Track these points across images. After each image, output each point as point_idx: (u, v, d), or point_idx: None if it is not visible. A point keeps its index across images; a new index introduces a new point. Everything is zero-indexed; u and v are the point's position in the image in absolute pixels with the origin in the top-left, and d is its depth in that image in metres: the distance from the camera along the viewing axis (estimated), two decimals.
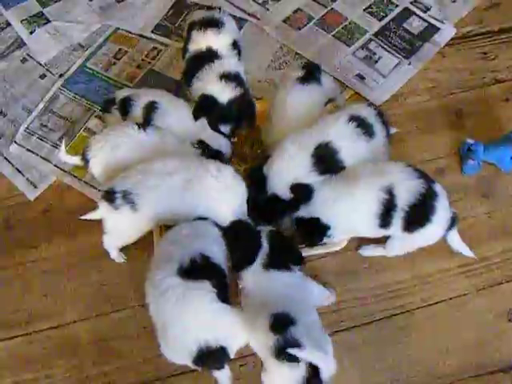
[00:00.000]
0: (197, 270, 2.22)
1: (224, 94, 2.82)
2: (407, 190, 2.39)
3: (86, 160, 2.73)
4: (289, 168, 2.57)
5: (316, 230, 2.52)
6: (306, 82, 2.78)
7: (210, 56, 2.84)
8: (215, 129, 2.83)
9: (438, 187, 2.45)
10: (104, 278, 2.75)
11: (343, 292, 2.62)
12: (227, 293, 2.31)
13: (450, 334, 2.55)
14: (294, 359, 2.02)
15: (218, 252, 2.36)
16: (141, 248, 2.73)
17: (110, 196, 2.48)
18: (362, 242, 2.70)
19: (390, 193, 2.39)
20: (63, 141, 2.90)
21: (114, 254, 2.74)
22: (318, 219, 2.50)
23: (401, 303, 2.62)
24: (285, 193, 2.57)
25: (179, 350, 2.21)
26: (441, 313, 2.59)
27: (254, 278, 2.34)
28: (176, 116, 2.79)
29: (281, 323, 2.10)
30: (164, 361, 2.43)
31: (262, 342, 2.15)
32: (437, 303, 2.61)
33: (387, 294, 2.64)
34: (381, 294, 2.64)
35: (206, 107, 2.81)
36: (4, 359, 2.60)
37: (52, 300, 2.72)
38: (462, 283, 2.65)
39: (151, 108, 2.78)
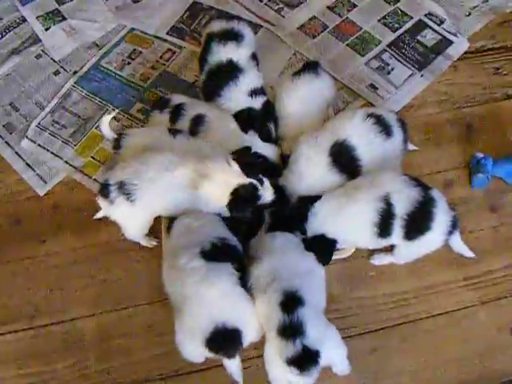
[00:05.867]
0: (218, 252, 2.28)
1: (257, 102, 2.89)
2: (405, 198, 2.41)
3: (118, 144, 2.75)
4: (309, 171, 2.61)
5: (325, 247, 2.53)
6: (299, 75, 2.87)
7: (232, 70, 2.86)
8: (265, 137, 2.85)
9: (435, 193, 2.46)
10: (110, 275, 2.75)
11: (348, 299, 2.63)
12: (247, 280, 2.34)
13: (453, 346, 2.56)
14: (292, 337, 2.11)
15: (231, 235, 2.43)
16: (148, 249, 2.76)
17: (104, 191, 2.51)
18: (371, 250, 2.70)
19: (388, 203, 2.41)
20: (111, 113, 2.93)
21: (142, 242, 2.76)
22: (322, 236, 2.53)
23: (405, 313, 2.62)
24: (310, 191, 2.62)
25: (194, 330, 2.22)
26: (444, 324, 2.60)
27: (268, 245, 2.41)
28: (224, 130, 2.77)
29: (291, 302, 2.18)
30: (168, 360, 2.47)
31: (268, 313, 2.22)
32: (441, 314, 2.62)
33: (392, 303, 2.65)
34: (385, 303, 2.64)
35: (249, 119, 2.85)
36: (9, 353, 2.60)
37: (58, 295, 2.73)
38: (467, 295, 2.65)
39: (198, 121, 2.78)
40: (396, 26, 3.45)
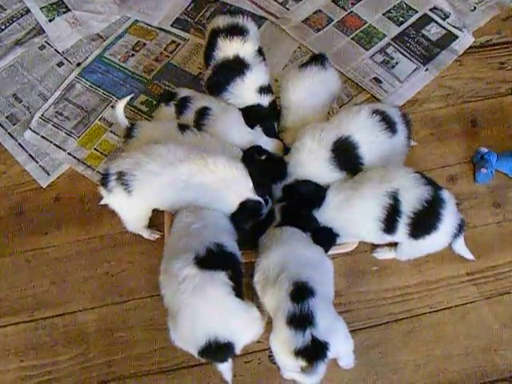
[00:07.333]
0: (213, 259, 2.24)
1: (265, 100, 2.87)
2: (413, 196, 2.38)
3: (130, 134, 2.74)
4: (309, 162, 2.61)
5: (326, 239, 2.54)
6: (306, 66, 2.86)
7: (239, 66, 2.82)
8: (270, 133, 2.86)
9: (445, 194, 2.43)
10: (113, 268, 2.75)
11: (351, 294, 2.63)
12: (241, 287, 2.31)
13: (455, 341, 2.55)
14: (301, 327, 2.08)
15: (230, 240, 2.39)
16: (151, 242, 2.76)
17: (103, 180, 2.49)
18: (374, 244, 2.70)
19: (395, 198, 2.39)
20: (126, 98, 2.89)
21: (144, 234, 2.76)
22: (324, 229, 2.53)
23: (408, 308, 2.62)
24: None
25: (187, 340, 2.22)
26: (447, 319, 2.60)
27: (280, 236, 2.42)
28: (230, 123, 2.77)
29: (301, 292, 2.16)
30: (169, 354, 2.47)
31: (277, 304, 2.19)
32: (443, 309, 2.62)
33: (395, 297, 2.64)
34: (388, 298, 2.64)
35: (257, 116, 2.85)
36: (10, 345, 2.61)
37: (60, 288, 2.73)
38: (470, 291, 2.65)
39: (202, 113, 2.78)
40: (401, 19, 3.44)
